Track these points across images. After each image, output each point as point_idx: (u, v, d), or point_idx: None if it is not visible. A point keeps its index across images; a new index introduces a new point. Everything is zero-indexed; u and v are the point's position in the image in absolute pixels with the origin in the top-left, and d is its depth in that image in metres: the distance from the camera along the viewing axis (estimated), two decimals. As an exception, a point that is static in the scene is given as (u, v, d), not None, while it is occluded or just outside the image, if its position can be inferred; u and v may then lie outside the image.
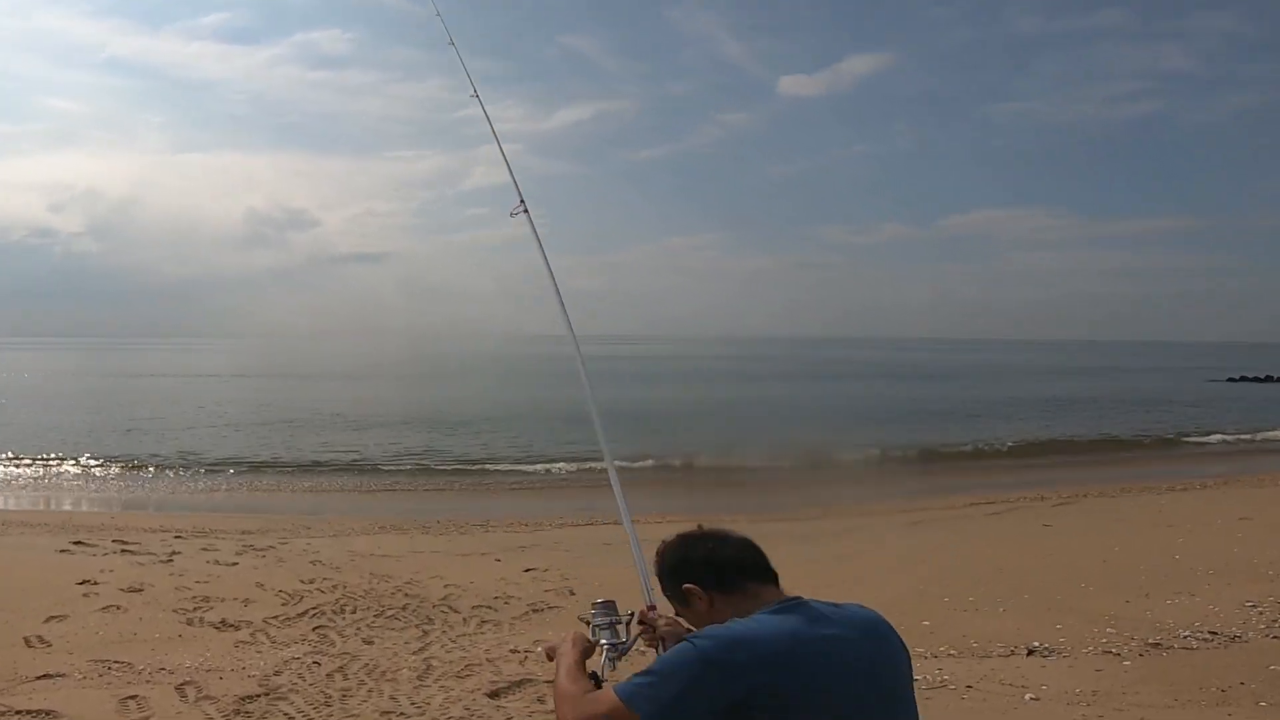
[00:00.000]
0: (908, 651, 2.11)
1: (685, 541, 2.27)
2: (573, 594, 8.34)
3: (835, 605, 2.08)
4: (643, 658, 2.27)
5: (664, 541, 2.32)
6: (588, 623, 2.39)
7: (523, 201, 3.50)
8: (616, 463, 3.13)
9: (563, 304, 3.34)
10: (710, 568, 2.17)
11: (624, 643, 2.35)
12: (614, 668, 2.29)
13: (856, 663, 1.94)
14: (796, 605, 2.04)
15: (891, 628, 2.10)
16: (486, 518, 14.25)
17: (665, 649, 2.30)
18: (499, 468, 21.97)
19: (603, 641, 2.33)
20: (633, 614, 2.41)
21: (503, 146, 3.80)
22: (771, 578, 2.19)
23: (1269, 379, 61.91)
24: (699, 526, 2.33)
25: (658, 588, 2.34)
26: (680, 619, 2.33)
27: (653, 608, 2.46)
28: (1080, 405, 39.66)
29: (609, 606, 2.38)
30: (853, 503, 15.96)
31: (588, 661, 2.22)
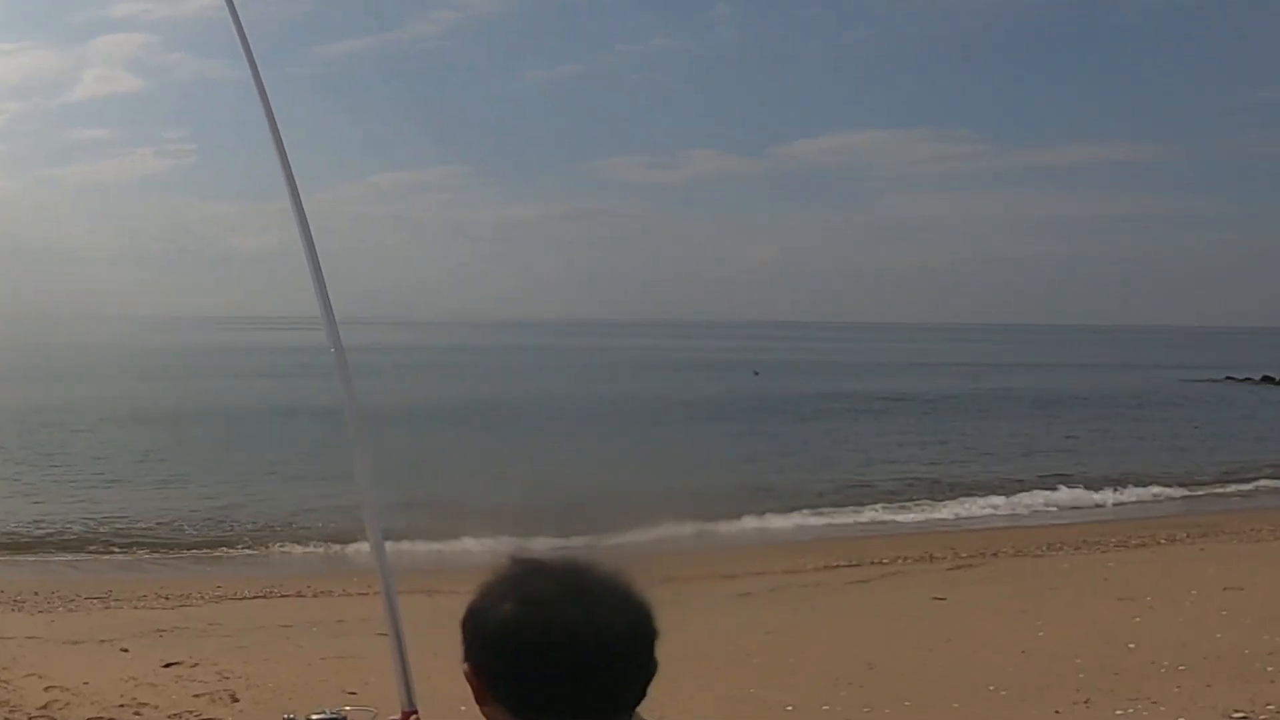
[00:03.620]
0: None
1: (503, 586, 1.94)
2: (236, 700, 8.72)
3: None
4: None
5: (502, 568, 1.99)
6: None
7: None
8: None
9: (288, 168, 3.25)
10: (505, 662, 1.87)
11: None
12: None
13: None
14: None
15: None
16: (108, 587, 14.50)
17: None
18: (126, 513, 21.74)
19: None
20: None
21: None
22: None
23: (1267, 380, 61.74)
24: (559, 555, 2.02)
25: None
26: None
27: (413, 714, 2.50)
28: (989, 419, 41.74)
29: None
30: (648, 563, 16.18)
31: None
